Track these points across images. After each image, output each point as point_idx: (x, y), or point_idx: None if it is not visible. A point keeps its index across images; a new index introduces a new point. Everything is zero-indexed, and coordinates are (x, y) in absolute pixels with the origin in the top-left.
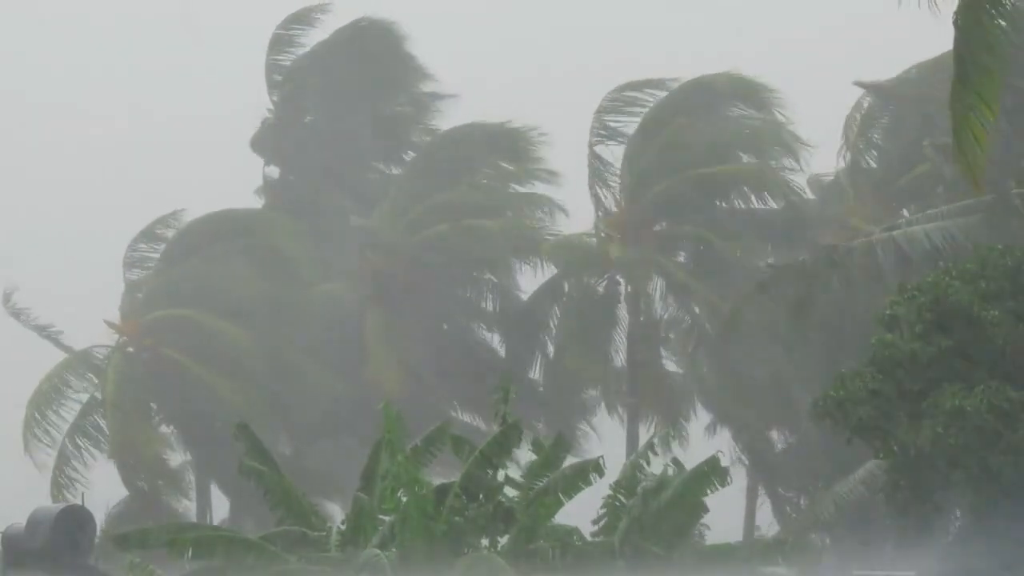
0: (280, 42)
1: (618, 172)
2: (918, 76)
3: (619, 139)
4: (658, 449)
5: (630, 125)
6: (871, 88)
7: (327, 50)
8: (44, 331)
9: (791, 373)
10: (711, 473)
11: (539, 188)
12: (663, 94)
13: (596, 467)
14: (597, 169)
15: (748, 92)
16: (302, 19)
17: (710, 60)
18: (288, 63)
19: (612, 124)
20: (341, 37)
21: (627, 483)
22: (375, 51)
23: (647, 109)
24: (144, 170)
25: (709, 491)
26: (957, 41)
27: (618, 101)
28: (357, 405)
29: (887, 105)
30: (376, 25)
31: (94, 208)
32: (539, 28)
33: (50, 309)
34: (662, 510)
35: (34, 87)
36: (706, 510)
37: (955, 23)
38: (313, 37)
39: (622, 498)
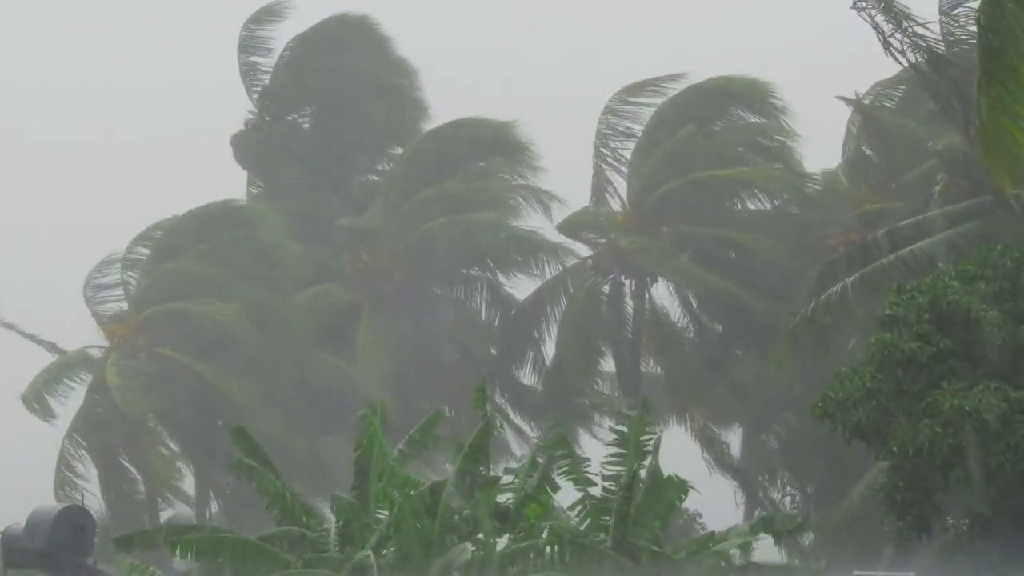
0: (249, 43)
1: (624, 173)
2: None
3: (625, 139)
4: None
5: (637, 125)
6: (852, 104)
7: (304, 47)
8: (36, 339)
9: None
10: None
11: (531, 184)
12: (670, 95)
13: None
14: (602, 169)
15: (756, 95)
16: (265, 17)
17: (714, 59)
18: (262, 62)
19: (619, 124)
20: (317, 33)
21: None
22: (354, 47)
23: (654, 109)
24: (135, 177)
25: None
26: (980, 37)
27: (624, 102)
28: (356, 402)
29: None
30: (353, 20)
31: (88, 210)
32: (526, 25)
33: (44, 312)
34: (645, 501)
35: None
36: (685, 492)
37: (977, 21)
38: (280, 33)
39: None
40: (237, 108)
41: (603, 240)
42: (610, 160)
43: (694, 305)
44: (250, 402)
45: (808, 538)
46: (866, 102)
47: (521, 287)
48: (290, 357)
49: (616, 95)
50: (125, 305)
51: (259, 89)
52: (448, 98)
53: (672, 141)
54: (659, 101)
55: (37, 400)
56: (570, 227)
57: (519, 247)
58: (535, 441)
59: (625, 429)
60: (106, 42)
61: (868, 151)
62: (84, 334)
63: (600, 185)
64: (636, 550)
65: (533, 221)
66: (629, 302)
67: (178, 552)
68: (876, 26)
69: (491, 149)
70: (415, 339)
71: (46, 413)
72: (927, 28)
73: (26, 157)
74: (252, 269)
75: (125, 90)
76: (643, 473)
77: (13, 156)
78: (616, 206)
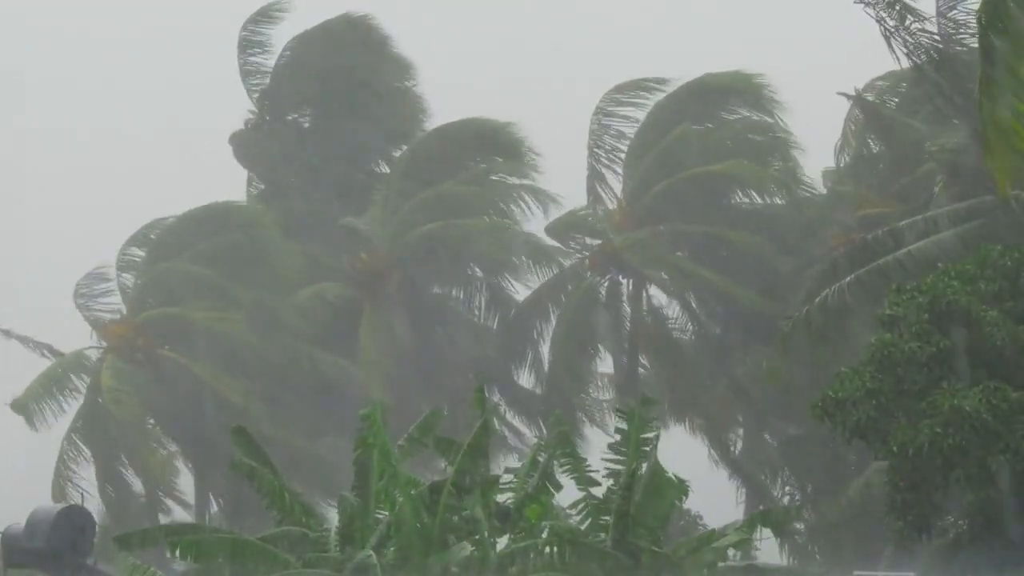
0: (249, 43)
1: (619, 171)
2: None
3: (620, 138)
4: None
5: (630, 124)
6: (854, 100)
7: (304, 47)
8: (33, 341)
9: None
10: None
11: (531, 184)
12: (664, 93)
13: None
14: (597, 169)
15: (750, 91)
16: (265, 17)
17: (712, 60)
18: (261, 62)
19: (612, 123)
20: (318, 33)
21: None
22: (354, 46)
23: (648, 108)
24: (135, 177)
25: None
26: (980, 37)
27: (618, 101)
28: (356, 402)
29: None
30: (353, 20)
31: (87, 210)
32: (526, 26)
33: (43, 314)
34: (645, 501)
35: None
36: (685, 493)
37: (978, 20)
38: (278, 34)
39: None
40: (237, 108)
41: (598, 241)
42: (604, 160)
43: (692, 304)
44: (250, 402)
45: (808, 538)
46: (868, 98)
47: (520, 288)
48: (290, 357)
49: (607, 94)
50: (123, 307)
51: (259, 89)
52: (448, 98)
53: (668, 139)
54: (652, 99)
55: (32, 404)
56: (559, 229)
57: (518, 248)
58: (536, 441)
59: (626, 426)
60: (106, 42)
61: (867, 151)
62: (83, 336)
63: (594, 185)
64: (636, 550)
65: (533, 222)
66: (627, 302)
67: (178, 553)
68: (881, 20)
69: (491, 149)
70: (414, 339)
71: (37, 421)
72: (931, 21)
73: (25, 156)
74: (251, 269)
75: (125, 89)
76: (644, 470)
77: (12, 156)
78: (612, 205)
